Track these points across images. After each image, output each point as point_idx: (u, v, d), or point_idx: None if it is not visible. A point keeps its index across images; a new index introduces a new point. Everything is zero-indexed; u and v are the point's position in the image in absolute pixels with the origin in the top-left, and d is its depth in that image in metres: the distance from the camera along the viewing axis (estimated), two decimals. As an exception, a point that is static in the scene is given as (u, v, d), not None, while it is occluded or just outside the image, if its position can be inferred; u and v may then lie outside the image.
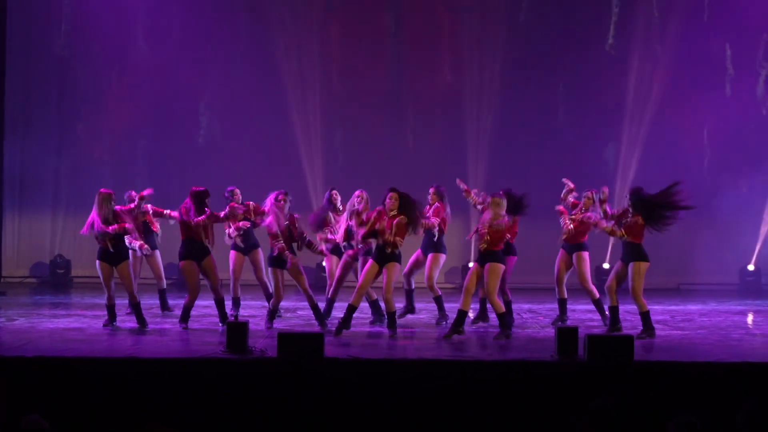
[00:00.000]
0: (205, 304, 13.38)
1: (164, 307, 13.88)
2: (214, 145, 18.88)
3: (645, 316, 11.55)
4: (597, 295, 12.72)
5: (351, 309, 11.71)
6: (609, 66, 18.94)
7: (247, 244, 13.35)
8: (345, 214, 12.45)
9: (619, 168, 18.77)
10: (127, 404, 9.20)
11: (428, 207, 12.82)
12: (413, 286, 13.09)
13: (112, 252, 11.94)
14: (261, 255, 13.34)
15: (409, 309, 13.08)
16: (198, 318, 12.89)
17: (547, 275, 13.83)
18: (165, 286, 14.03)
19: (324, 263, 13.80)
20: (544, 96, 18.87)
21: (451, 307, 12.40)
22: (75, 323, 12.52)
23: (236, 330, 10.00)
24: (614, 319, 11.82)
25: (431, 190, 12.98)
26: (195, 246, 12.06)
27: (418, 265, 13.06)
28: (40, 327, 12.17)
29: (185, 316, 12.14)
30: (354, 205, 12.22)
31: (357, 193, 12.34)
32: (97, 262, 12.04)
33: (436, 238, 12.74)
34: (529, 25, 18.90)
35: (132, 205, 12.44)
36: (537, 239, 16.28)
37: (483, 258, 11.56)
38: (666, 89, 18.81)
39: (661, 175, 17.00)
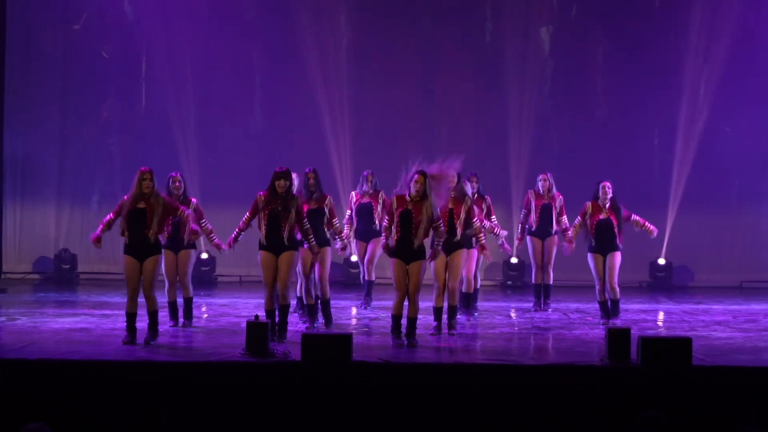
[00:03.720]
0: (221, 302, 13.42)
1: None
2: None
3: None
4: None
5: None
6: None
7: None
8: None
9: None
10: (137, 412, 9.20)
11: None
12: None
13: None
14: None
15: None
16: (215, 318, 12.96)
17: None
18: None
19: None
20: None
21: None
22: (81, 323, 12.52)
23: (256, 331, 9.84)
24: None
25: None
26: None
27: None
28: (44, 327, 12.20)
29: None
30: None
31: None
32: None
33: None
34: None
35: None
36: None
37: None
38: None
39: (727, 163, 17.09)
